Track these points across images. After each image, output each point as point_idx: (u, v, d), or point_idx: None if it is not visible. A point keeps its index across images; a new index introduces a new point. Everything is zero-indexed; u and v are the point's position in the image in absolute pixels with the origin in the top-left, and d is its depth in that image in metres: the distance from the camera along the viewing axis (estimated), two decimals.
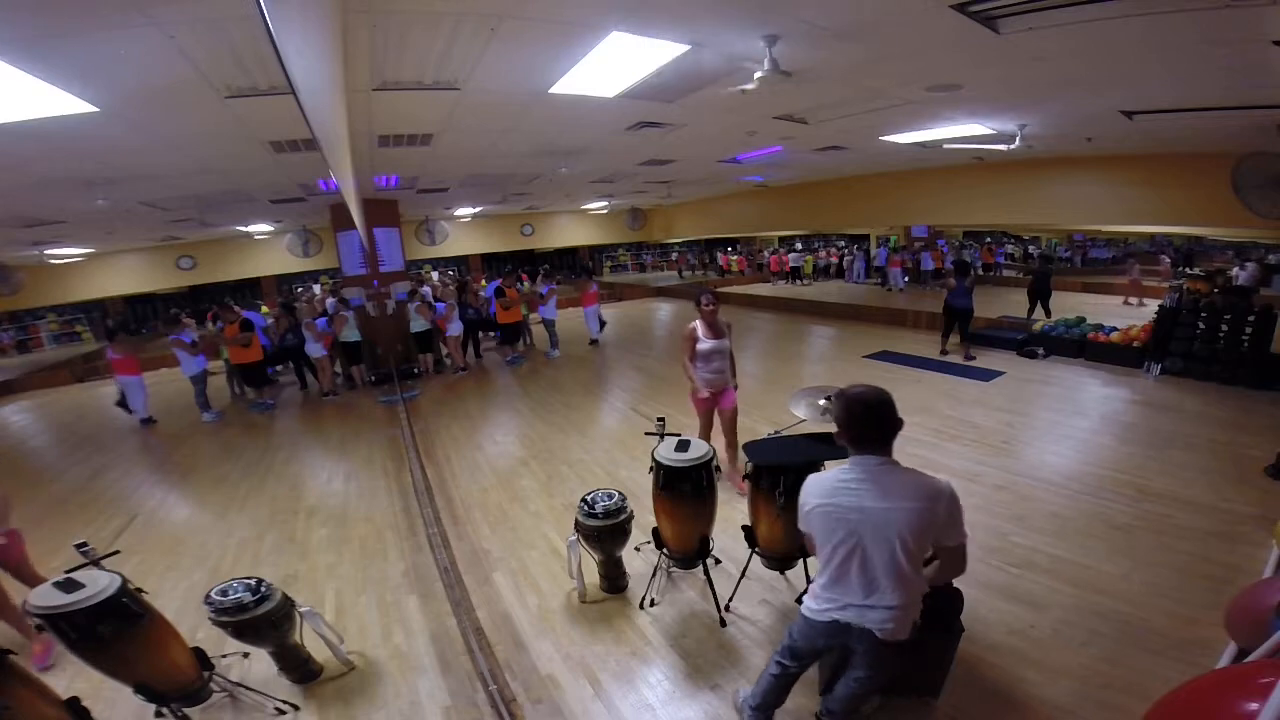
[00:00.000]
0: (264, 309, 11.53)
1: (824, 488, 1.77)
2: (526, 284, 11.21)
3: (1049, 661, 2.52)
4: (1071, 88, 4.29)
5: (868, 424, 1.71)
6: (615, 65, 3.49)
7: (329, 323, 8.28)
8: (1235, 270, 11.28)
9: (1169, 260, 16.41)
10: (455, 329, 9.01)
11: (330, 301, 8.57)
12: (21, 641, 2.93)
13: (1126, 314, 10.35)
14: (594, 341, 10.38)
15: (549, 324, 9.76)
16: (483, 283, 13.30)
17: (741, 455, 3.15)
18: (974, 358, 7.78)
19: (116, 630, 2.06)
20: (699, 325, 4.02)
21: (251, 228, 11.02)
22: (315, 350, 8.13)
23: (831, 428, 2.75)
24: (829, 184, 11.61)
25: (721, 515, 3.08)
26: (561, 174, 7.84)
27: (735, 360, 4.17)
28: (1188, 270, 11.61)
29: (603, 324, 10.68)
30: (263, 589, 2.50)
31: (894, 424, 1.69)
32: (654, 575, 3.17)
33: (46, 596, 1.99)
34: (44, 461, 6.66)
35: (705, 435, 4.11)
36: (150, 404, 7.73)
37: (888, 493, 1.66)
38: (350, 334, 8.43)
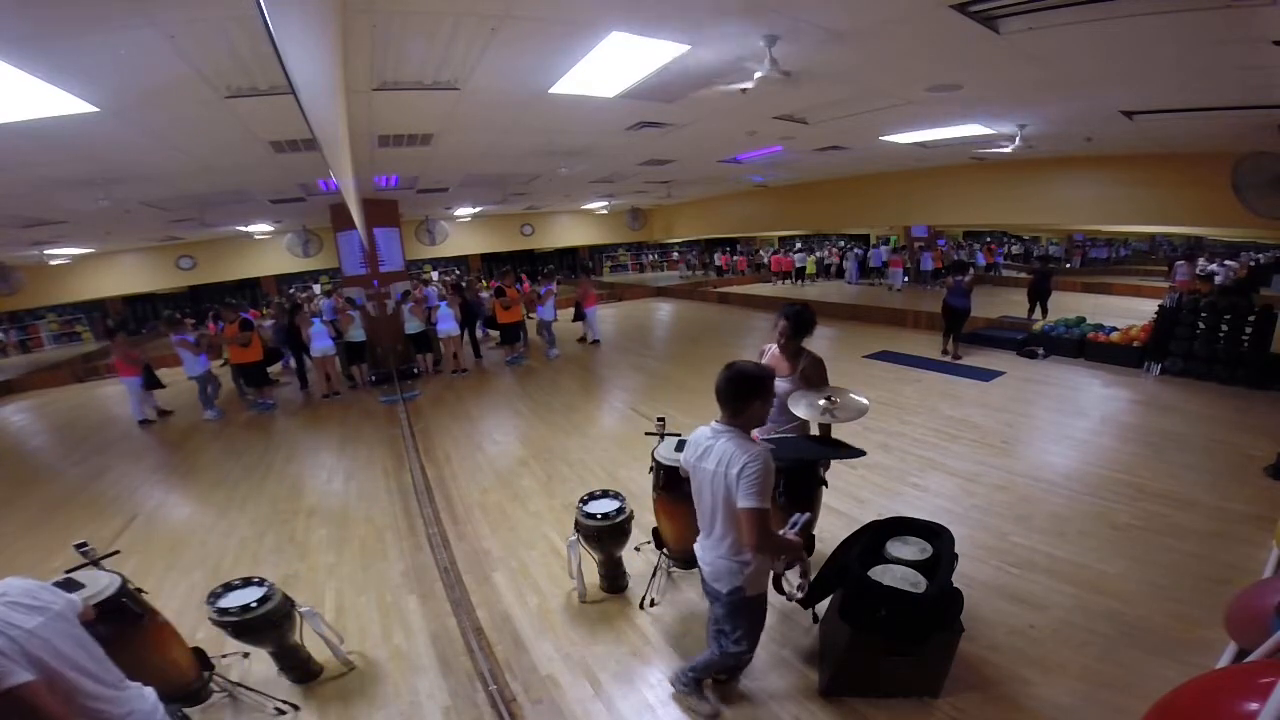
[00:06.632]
0: (264, 311, 11.52)
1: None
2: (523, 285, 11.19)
3: (1049, 661, 2.52)
4: (1071, 88, 4.29)
5: (719, 395, 2.02)
6: (615, 65, 3.49)
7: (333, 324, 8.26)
8: (1214, 267, 11.30)
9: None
10: (445, 328, 8.81)
11: (326, 303, 8.54)
12: None
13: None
14: (595, 341, 10.40)
15: (547, 325, 9.76)
16: (485, 283, 13.34)
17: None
18: (960, 358, 7.77)
19: (116, 630, 2.05)
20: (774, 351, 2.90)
21: (251, 228, 11.00)
22: (325, 346, 8.01)
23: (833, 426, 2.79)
24: (829, 184, 11.60)
25: None
26: (561, 174, 7.83)
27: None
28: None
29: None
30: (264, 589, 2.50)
31: (734, 396, 1.96)
32: (654, 575, 3.16)
33: None
34: (44, 461, 6.66)
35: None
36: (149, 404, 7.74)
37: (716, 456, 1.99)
38: (356, 333, 8.44)
